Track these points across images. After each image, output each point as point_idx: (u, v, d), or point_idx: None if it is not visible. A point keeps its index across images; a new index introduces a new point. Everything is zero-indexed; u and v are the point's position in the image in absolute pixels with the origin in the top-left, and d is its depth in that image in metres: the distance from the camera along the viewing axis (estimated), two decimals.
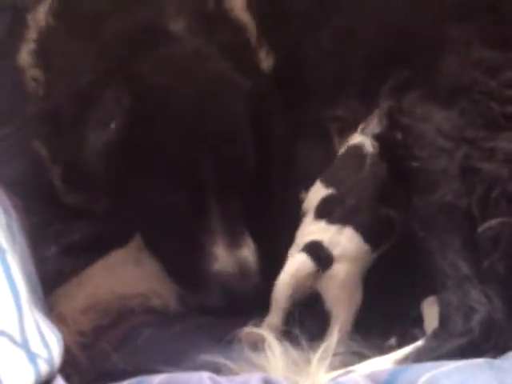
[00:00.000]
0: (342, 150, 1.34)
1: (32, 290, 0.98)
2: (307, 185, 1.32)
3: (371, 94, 1.33)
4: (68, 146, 1.17)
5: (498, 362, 1.03)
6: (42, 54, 1.24)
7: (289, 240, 1.25)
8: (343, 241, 1.21)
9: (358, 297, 1.20)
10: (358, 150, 1.31)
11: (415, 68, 1.30)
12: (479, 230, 1.13)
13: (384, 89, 1.31)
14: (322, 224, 1.23)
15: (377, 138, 1.28)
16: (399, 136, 1.23)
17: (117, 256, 1.25)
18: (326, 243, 1.21)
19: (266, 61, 1.33)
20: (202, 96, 1.17)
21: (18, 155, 1.28)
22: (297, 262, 1.21)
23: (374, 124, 1.31)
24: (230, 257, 1.17)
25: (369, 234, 1.22)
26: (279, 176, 1.30)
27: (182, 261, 1.18)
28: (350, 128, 1.38)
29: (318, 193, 1.28)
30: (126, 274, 1.23)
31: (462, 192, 1.15)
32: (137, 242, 1.25)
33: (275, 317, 1.18)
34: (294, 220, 1.28)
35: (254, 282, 1.18)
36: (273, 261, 1.22)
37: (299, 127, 1.35)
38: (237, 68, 1.21)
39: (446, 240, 1.15)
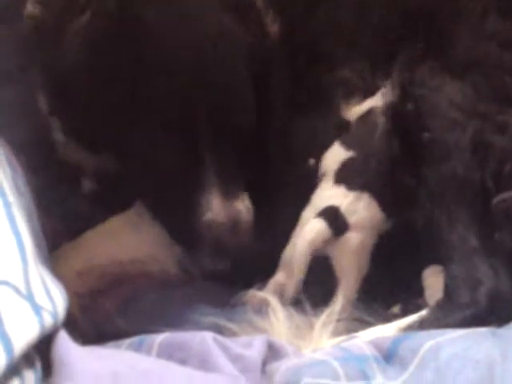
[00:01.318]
0: (360, 111, 1.34)
1: (37, 245, 0.99)
2: (313, 152, 1.33)
3: (383, 62, 1.34)
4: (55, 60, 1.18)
5: (500, 330, 1.05)
6: None
7: (287, 205, 1.27)
8: (360, 209, 1.23)
9: (367, 264, 1.22)
10: (373, 114, 1.32)
11: (429, 40, 1.30)
12: (494, 201, 1.14)
13: (398, 59, 1.32)
14: (342, 189, 1.25)
15: (388, 107, 1.29)
16: (411, 107, 1.24)
17: (116, 221, 1.26)
18: (343, 210, 1.23)
19: (271, 26, 1.33)
20: (201, 47, 1.17)
21: (21, 118, 1.28)
22: (315, 229, 1.22)
23: (387, 93, 1.32)
24: (223, 207, 1.16)
25: (386, 202, 1.24)
26: (280, 141, 1.30)
27: (178, 213, 1.19)
28: (358, 93, 1.39)
29: (337, 155, 1.29)
30: (124, 240, 1.24)
31: (474, 165, 1.17)
32: (137, 208, 1.26)
33: (291, 285, 1.20)
34: (294, 186, 1.30)
35: (246, 238, 1.19)
36: (268, 224, 1.24)
37: (303, 93, 1.35)
38: (240, 24, 1.21)
39: (455, 212, 1.16)
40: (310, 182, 1.30)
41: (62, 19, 1.18)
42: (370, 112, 1.32)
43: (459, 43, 1.27)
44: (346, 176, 1.26)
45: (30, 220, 1.00)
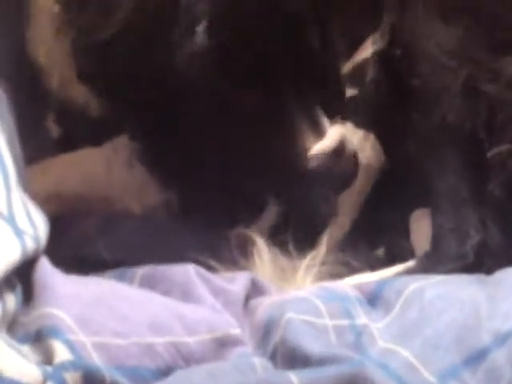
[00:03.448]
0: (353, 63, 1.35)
1: (18, 172, 1.00)
2: None
3: (370, 10, 1.34)
4: (143, 65, 1.13)
5: (487, 277, 1.06)
6: None
7: None
8: (368, 148, 1.25)
9: (358, 207, 1.24)
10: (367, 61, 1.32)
11: None
12: (489, 154, 1.15)
13: (386, 4, 1.33)
14: (350, 126, 1.26)
15: (378, 54, 1.30)
16: (400, 52, 1.24)
17: (87, 154, 1.24)
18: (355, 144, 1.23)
19: None
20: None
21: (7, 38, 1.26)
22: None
23: (376, 41, 1.33)
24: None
25: (387, 144, 1.25)
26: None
27: (273, 167, 1.18)
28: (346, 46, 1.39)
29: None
30: (93, 176, 1.23)
31: (465, 113, 1.17)
32: (112, 146, 1.23)
33: None
34: None
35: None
36: None
37: None
38: None
39: (445, 161, 1.17)
40: None
41: None
42: (366, 60, 1.33)
43: None
44: (351, 114, 1.27)
45: (12, 146, 1.01)
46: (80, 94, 1.22)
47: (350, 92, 1.30)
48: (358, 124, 1.27)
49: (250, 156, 1.17)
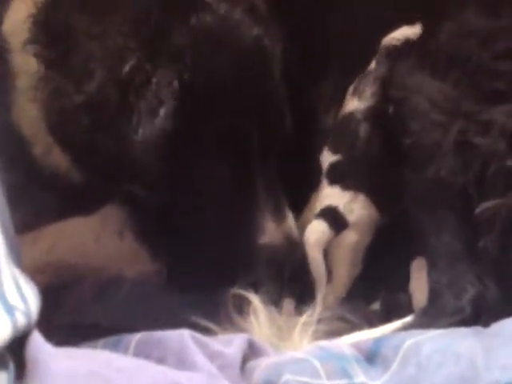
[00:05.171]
0: (340, 115, 1.36)
1: (9, 244, 0.99)
2: None
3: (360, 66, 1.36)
4: (108, 138, 1.14)
5: (483, 329, 1.06)
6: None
7: None
8: (357, 208, 1.26)
9: (359, 264, 1.25)
10: (353, 118, 1.34)
11: None
12: (477, 210, 1.14)
13: (378, 56, 1.34)
14: (337, 190, 1.28)
15: (369, 110, 1.30)
16: (391, 110, 1.25)
17: (77, 224, 1.25)
18: (342, 209, 1.26)
19: None
20: (241, 65, 1.19)
21: None
22: (317, 232, 1.25)
23: (367, 95, 1.33)
24: (277, 229, 1.21)
25: (380, 201, 1.27)
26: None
27: (224, 237, 1.20)
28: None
29: (326, 158, 1.33)
30: (81, 245, 1.24)
31: (457, 168, 1.17)
32: (101, 215, 1.25)
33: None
34: None
35: (299, 254, 1.23)
36: None
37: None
38: (266, 33, 1.23)
39: (439, 217, 1.17)
40: None
41: None
42: (351, 115, 1.34)
43: (441, 39, 1.27)
44: (338, 178, 1.29)
45: (2, 218, 1.00)
46: (62, 161, 1.22)
47: (333, 158, 1.31)
48: (346, 187, 1.28)
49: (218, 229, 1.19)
